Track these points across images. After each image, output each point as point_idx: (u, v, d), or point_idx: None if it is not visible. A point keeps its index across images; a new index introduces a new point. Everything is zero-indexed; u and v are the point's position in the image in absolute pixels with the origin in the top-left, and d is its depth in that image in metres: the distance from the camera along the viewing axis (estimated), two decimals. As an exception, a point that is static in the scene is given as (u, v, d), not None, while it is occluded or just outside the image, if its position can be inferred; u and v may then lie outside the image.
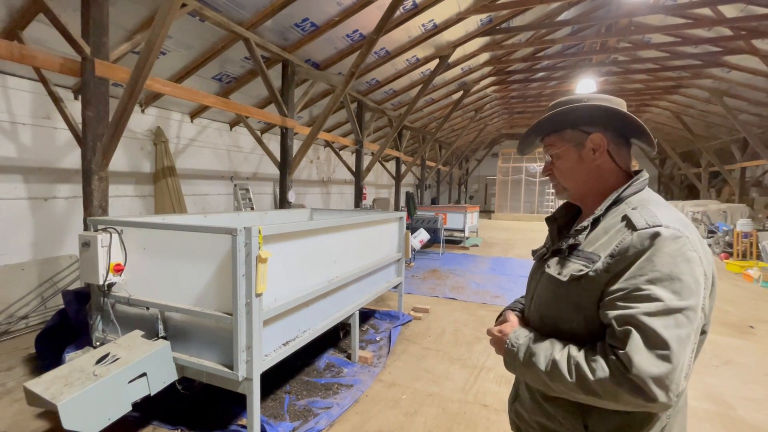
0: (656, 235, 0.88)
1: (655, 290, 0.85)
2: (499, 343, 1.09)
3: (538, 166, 21.52)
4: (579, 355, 0.91)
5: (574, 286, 0.98)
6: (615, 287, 0.90)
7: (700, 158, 16.03)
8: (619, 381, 0.82)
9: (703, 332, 0.95)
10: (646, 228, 0.90)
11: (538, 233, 14.65)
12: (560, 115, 1.08)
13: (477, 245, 11.01)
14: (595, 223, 1.03)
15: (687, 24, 7.25)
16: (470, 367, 3.62)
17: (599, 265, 0.94)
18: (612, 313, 0.88)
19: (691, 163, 17.72)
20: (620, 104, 1.05)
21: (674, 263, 0.86)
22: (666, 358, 0.81)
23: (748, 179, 14.09)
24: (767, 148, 10.69)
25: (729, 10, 6.95)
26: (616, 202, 1.02)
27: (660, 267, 0.86)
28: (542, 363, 0.95)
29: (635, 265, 0.88)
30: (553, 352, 0.95)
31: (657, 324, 0.82)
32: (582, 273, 0.96)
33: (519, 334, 1.05)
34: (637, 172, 1.08)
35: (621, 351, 0.83)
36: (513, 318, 1.14)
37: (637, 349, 0.82)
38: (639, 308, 0.85)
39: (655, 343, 0.82)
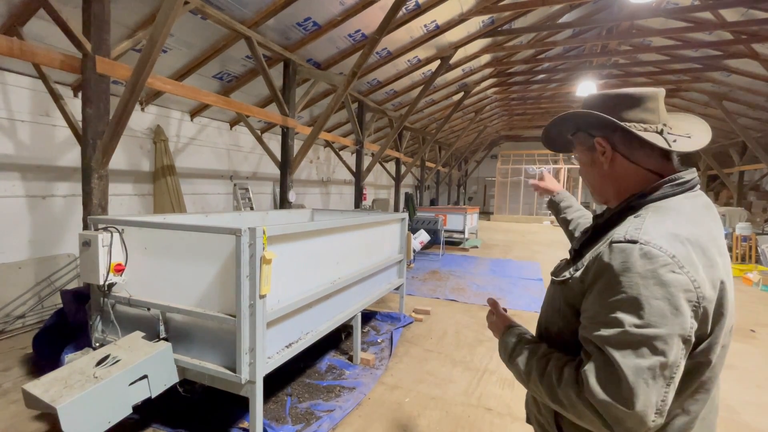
0: (627, 250, 0.81)
1: (618, 315, 0.79)
2: (495, 329, 1.15)
3: (537, 168, 21.55)
4: (554, 361, 0.91)
5: (559, 290, 0.98)
6: (585, 306, 0.87)
7: (698, 161, 16.08)
8: (580, 397, 0.81)
9: (708, 362, 0.85)
10: (620, 242, 0.84)
11: (537, 235, 14.65)
12: (563, 120, 1.07)
13: (477, 246, 11.00)
14: (605, 228, 0.98)
15: (688, 27, 7.26)
16: (473, 369, 3.59)
17: (577, 273, 0.92)
18: (580, 332, 0.87)
19: (689, 166, 17.76)
20: (650, 95, 0.96)
21: (644, 285, 0.78)
22: (618, 388, 0.75)
23: (746, 183, 14.14)
24: (766, 152, 10.72)
25: (730, 14, 6.96)
26: (633, 207, 0.94)
27: (627, 288, 0.79)
28: (522, 363, 0.97)
29: (603, 282, 0.83)
30: (533, 355, 0.96)
31: (613, 351, 0.77)
32: (565, 278, 0.96)
33: (513, 332, 1.07)
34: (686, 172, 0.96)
35: (583, 369, 0.82)
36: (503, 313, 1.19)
37: (590, 371, 0.79)
38: (599, 332, 0.81)
39: (609, 370, 0.77)
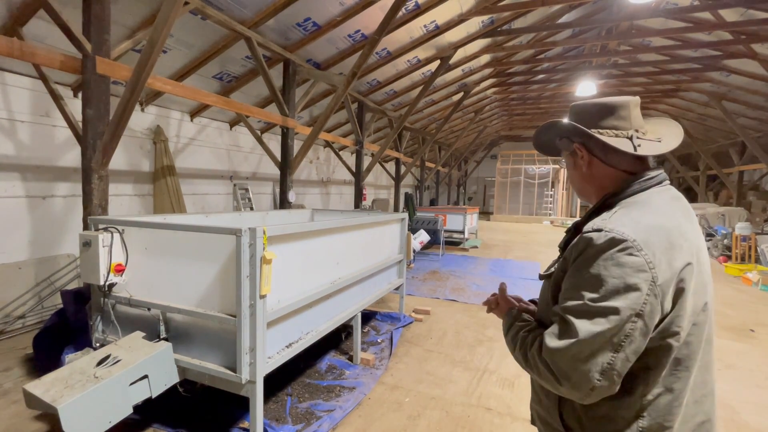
0: (594, 238, 0.92)
1: (582, 291, 0.91)
2: (500, 311, 1.27)
3: (536, 168, 21.56)
4: (533, 332, 1.03)
5: (547, 285, 1.08)
6: (562, 286, 0.99)
7: (698, 161, 16.09)
8: (540, 355, 0.93)
9: (672, 335, 0.90)
10: (588, 231, 0.95)
11: (537, 235, 14.66)
12: (547, 129, 1.18)
13: (476, 247, 11.00)
14: (584, 225, 1.05)
15: (687, 28, 7.27)
16: (473, 369, 3.60)
17: (560, 264, 1.03)
18: (552, 309, 0.99)
19: (689, 166, 17.78)
20: (623, 104, 1.05)
21: (604, 266, 0.89)
22: (570, 342, 0.87)
23: (745, 182, 14.16)
24: (765, 151, 10.73)
25: (729, 14, 6.97)
26: (609, 204, 1.03)
27: (592, 269, 0.90)
28: (512, 337, 1.09)
29: (575, 267, 0.95)
30: (521, 330, 1.08)
31: (572, 318, 0.89)
32: (550, 272, 1.07)
33: (512, 313, 1.19)
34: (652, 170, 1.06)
35: (545, 331, 0.95)
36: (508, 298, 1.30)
37: (550, 333, 0.93)
38: (565, 304, 0.93)
39: (565, 330, 0.90)
